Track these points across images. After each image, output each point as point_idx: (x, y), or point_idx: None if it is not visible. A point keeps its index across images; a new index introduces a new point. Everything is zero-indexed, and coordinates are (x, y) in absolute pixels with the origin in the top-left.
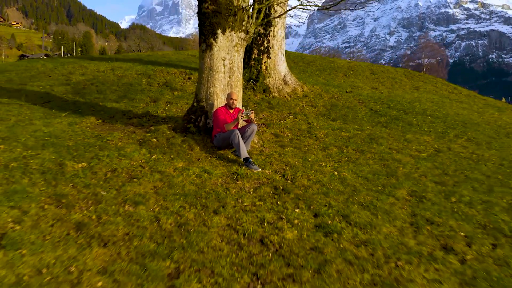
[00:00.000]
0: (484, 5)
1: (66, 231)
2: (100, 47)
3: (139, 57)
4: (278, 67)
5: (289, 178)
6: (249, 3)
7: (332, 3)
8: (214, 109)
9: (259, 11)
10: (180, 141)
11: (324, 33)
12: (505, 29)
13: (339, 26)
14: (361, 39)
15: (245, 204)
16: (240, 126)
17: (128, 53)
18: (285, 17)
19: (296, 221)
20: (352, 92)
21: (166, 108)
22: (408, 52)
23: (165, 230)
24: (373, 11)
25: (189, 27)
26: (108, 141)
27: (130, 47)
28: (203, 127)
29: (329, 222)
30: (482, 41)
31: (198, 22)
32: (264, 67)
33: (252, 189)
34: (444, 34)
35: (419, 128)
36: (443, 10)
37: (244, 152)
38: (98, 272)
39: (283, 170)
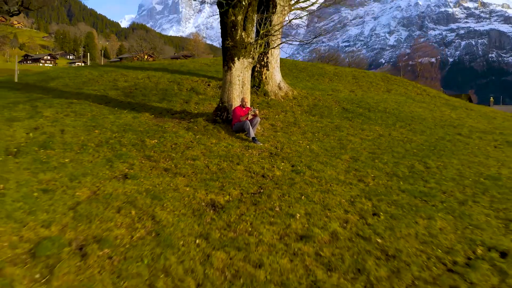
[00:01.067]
0: (484, 4)
1: (159, 172)
2: (101, 46)
3: (164, 66)
4: (274, 77)
5: (279, 149)
6: (254, 40)
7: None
8: (233, 108)
9: (260, 44)
10: (211, 127)
11: (324, 32)
12: (505, 28)
13: (339, 25)
14: (361, 38)
15: (253, 160)
16: (249, 118)
17: (151, 61)
18: (280, 40)
19: (281, 167)
20: (332, 95)
21: (196, 107)
22: (408, 51)
23: (211, 171)
24: (373, 10)
25: (189, 26)
26: (166, 128)
27: (133, 47)
28: (226, 119)
29: (299, 168)
30: (482, 40)
31: (222, 52)
32: (264, 77)
33: (257, 154)
34: (444, 33)
35: (375, 121)
36: (443, 9)
37: (252, 134)
38: (184, 185)
39: (275, 144)
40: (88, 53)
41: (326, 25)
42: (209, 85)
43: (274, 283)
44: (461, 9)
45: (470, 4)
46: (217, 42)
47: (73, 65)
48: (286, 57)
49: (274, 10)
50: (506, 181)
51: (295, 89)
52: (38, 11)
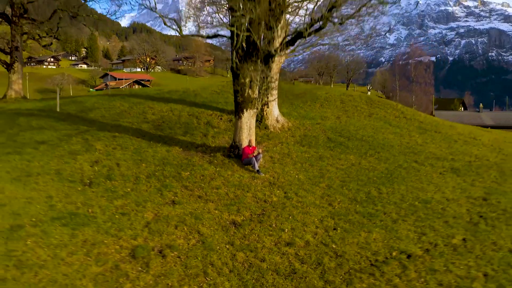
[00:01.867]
0: (483, 3)
1: (195, 198)
2: (103, 47)
3: (181, 97)
4: (273, 112)
5: (276, 178)
6: (257, 95)
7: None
8: (243, 146)
9: (262, 98)
10: (227, 161)
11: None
12: (504, 27)
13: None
14: (361, 37)
15: (258, 188)
16: (255, 155)
17: (170, 90)
18: (277, 86)
19: (277, 194)
20: (320, 124)
21: (213, 140)
22: (408, 50)
23: (230, 197)
24: (373, 9)
25: (189, 25)
26: (193, 161)
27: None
28: (237, 155)
29: (289, 195)
30: (482, 39)
31: (234, 104)
32: (265, 113)
33: (260, 183)
34: (443, 32)
35: (351, 150)
36: (442, 8)
37: (256, 167)
38: (213, 209)
39: (273, 175)
40: (87, 54)
41: None
42: (221, 118)
43: (272, 270)
44: (461, 8)
45: (470, 3)
46: (216, 40)
47: (76, 67)
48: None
49: (272, 60)
50: (434, 204)
51: (290, 119)
52: (38, 10)
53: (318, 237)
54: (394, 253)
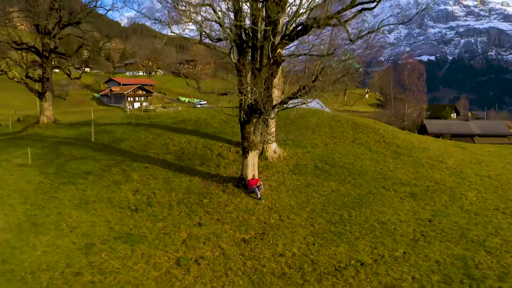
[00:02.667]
0: (483, 2)
1: (215, 221)
2: (105, 53)
3: (195, 127)
4: (271, 146)
5: (273, 204)
6: (259, 141)
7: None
8: (248, 179)
9: (263, 143)
10: (237, 190)
11: (324, 30)
12: (504, 26)
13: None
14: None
15: (260, 212)
16: (257, 185)
17: (184, 119)
18: (274, 132)
19: (274, 217)
20: (310, 152)
21: (224, 171)
22: (408, 49)
23: (240, 220)
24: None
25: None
26: (211, 190)
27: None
28: (244, 185)
29: (283, 218)
30: (481, 38)
31: (241, 148)
32: (265, 147)
33: (261, 208)
34: (443, 31)
35: (333, 177)
36: (442, 7)
37: (259, 195)
38: (229, 229)
39: (272, 201)
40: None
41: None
42: (229, 150)
43: (270, 273)
44: (460, 7)
45: (470, 2)
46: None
47: (78, 70)
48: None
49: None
50: (389, 224)
51: (285, 149)
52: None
53: (301, 250)
54: (352, 262)
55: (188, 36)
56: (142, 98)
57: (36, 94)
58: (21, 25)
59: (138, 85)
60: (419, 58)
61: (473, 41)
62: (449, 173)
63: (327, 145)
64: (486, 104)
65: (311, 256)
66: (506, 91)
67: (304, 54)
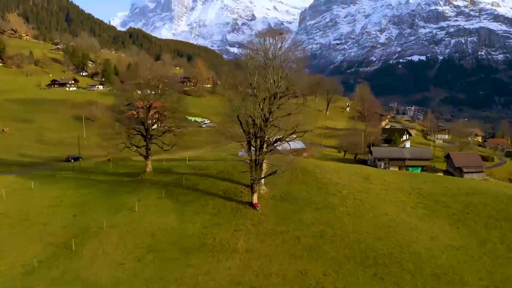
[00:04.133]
0: (473, 3)
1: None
2: (112, 67)
3: (219, 175)
4: (261, 183)
5: (261, 212)
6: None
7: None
8: (254, 203)
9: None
10: (248, 207)
11: (316, 30)
12: (494, 26)
13: (330, 23)
14: (352, 36)
15: (256, 213)
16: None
17: (221, 170)
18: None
19: (259, 217)
20: (279, 189)
21: (243, 199)
22: (399, 49)
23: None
24: (364, 8)
25: (181, 24)
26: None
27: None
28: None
29: (266, 217)
30: (472, 38)
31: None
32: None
33: (259, 214)
34: (434, 31)
35: (292, 201)
36: (433, 7)
37: (257, 209)
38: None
39: (262, 212)
40: (103, 77)
41: (318, 22)
42: (244, 190)
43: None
44: (451, 7)
45: (460, 3)
46: (209, 40)
47: (92, 88)
48: None
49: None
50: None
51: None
52: (38, 18)
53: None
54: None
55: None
56: (159, 118)
57: (143, 156)
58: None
59: (157, 111)
60: (410, 58)
61: (463, 41)
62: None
63: (288, 184)
64: (476, 103)
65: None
66: (496, 91)
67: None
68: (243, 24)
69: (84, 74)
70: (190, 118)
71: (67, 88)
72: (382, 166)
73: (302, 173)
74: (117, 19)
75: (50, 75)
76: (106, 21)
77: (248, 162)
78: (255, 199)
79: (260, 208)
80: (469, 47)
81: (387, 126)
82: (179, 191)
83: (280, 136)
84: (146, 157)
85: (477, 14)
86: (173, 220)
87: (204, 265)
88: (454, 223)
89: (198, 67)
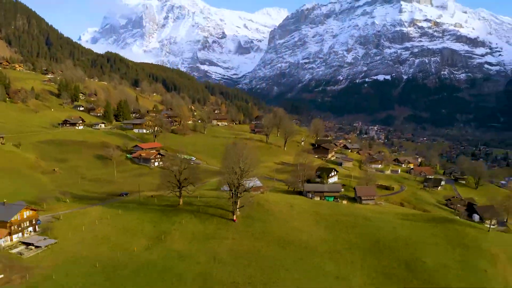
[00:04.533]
0: (437, 24)
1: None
2: (111, 108)
3: (220, 204)
4: (237, 211)
5: (235, 224)
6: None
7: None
8: (234, 218)
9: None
10: (231, 222)
11: (285, 49)
12: (456, 46)
13: (299, 43)
14: (320, 56)
15: (233, 224)
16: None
17: (216, 203)
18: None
19: (235, 225)
20: (245, 212)
21: (228, 217)
22: (365, 68)
23: (241, 229)
24: (332, 29)
25: (152, 40)
26: (227, 220)
27: (127, 102)
28: (232, 220)
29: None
30: (435, 58)
31: None
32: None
33: (235, 224)
34: (399, 51)
35: (256, 220)
36: (398, 28)
37: (234, 219)
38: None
39: (238, 222)
40: (105, 114)
41: (287, 41)
42: (230, 215)
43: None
44: (415, 28)
45: (424, 24)
46: (180, 57)
47: (96, 127)
48: (248, 72)
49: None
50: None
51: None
52: (20, 42)
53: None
54: None
55: None
56: (160, 157)
57: (177, 196)
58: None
59: (158, 151)
60: (375, 77)
61: (427, 61)
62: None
63: (249, 210)
64: (438, 121)
65: None
66: (458, 109)
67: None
68: (214, 42)
69: (81, 109)
70: (180, 155)
71: (77, 127)
72: (310, 196)
73: (256, 204)
74: (87, 35)
75: (52, 109)
76: (76, 36)
77: (230, 200)
78: (234, 217)
79: (237, 221)
80: (432, 66)
81: (333, 158)
82: (199, 214)
83: (246, 189)
84: (179, 197)
85: (440, 35)
86: (200, 227)
87: (215, 243)
88: (327, 228)
89: (182, 110)
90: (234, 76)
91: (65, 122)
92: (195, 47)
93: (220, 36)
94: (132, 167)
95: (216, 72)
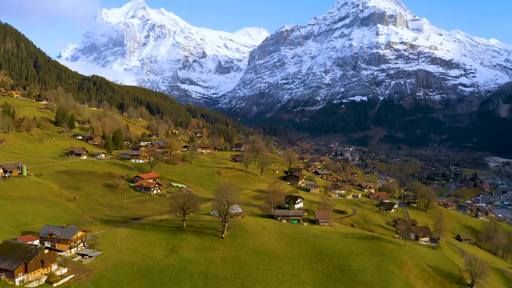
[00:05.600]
0: (412, 46)
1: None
2: (111, 140)
3: (213, 226)
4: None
5: (224, 241)
6: (225, 228)
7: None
8: (223, 236)
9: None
10: (221, 238)
11: (264, 69)
12: (431, 68)
13: (278, 63)
14: (299, 76)
15: (221, 239)
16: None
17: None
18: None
19: (224, 241)
20: (229, 229)
21: (219, 235)
22: (342, 89)
23: (230, 243)
24: (311, 50)
25: (133, 59)
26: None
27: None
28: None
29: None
30: (410, 80)
31: None
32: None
33: (224, 241)
34: (375, 73)
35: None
36: (374, 50)
37: (223, 237)
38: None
39: (227, 238)
40: (105, 143)
41: (267, 62)
42: (221, 233)
43: None
44: (391, 50)
45: (400, 46)
46: (160, 76)
47: (97, 157)
48: (228, 92)
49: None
50: None
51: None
52: (9, 65)
53: None
54: None
55: None
56: (158, 186)
57: (182, 220)
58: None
59: (155, 181)
60: (352, 98)
61: (402, 82)
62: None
63: (233, 230)
64: (413, 141)
65: None
66: (433, 129)
67: (231, 217)
68: (194, 61)
69: (79, 137)
70: (173, 184)
71: (82, 157)
72: (279, 219)
73: (238, 226)
74: (68, 51)
75: (53, 138)
76: (57, 53)
77: (220, 223)
78: (223, 235)
79: (225, 238)
80: (408, 88)
81: (303, 185)
82: (198, 233)
83: (231, 215)
84: (183, 221)
85: (416, 57)
86: (199, 242)
87: (211, 252)
88: (287, 242)
89: (172, 142)
90: (214, 96)
91: (71, 153)
92: (175, 66)
93: (200, 56)
94: (135, 194)
95: (196, 92)
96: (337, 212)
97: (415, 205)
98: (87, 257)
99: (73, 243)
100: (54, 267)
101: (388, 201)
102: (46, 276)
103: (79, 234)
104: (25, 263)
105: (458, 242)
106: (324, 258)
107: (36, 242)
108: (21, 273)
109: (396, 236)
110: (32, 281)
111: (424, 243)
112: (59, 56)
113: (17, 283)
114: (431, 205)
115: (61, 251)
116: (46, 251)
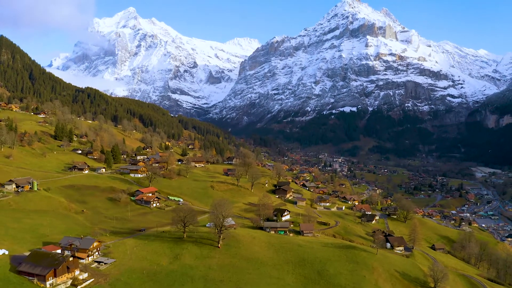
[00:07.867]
0: (401, 58)
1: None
2: (110, 155)
3: (209, 237)
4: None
5: (222, 247)
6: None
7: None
8: (219, 246)
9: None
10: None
11: (255, 79)
12: (420, 79)
13: (269, 74)
14: (289, 87)
15: (217, 248)
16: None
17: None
18: None
19: (220, 250)
20: (224, 239)
21: (216, 245)
22: (332, 100)
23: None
24: (301, 61)
25: (124, 68)
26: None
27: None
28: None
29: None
30: (399, 91)
31: None
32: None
33: (219, 251)
34: (364, 84)
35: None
36: (364, 62)
37: (219, 246)
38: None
39: (222, 246)
40: (106, 159)
41: (257, 72)
42: (217, 243)
43: None
44: (380, 62)
45: (389, 58)
46: (152, 86)
47: (98, 171)
48: (219, 102)
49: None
50: None
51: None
52: (5, 77)
53: None
54: None
55: None
56: (157, 199)
57: (183, 232)
58: None
59: (156, 195)
60: (342, 109)
61: (391, 93)
62: None
63: (227, 240)
64: (402, 151)
65: None
66: (421, 139)
67: (225, 229)
68: (185, 71)
69: (79, 152)
70: (170, 197)
71: (84, 172)
72: (268, 231)
73: (232, 236)
74: (59, 60)
75: (55, 152)
76: (48, 61)
77: (216, 234)
78: (219, 245)
79: (220, 247)
80: (397, 99)
81: (290, 198)
82: (197, 243)
83: (226, 227)
84: (184, 232)
85: (404, 68)
86: (198, 251)
87: (208, 259)
88: (275, 251)
89: (169, 158)
90: (205, 106)
91: (74, 167)
92: (166, 76)
93: (191, 66)
94: (136, 207)
95: (187, 101)
96: (321, 224)
97: (395, 216)
98: (103, 263)
99: (90, 252)
100: (77, 272)
101: (370, 212)
102: (71, 280)
103: (95, 244)
104: (55, 269)
105: (432, 251)
106: (306, 264)
107: (58, 251)
108: (51, 277)
109: (373, 245)
110: (60, 284)
111: (399, 252)
112: (50, 65)
113: (48, 285)
114: (410, 217)
115: (81, 259)
116: (71, 258)
